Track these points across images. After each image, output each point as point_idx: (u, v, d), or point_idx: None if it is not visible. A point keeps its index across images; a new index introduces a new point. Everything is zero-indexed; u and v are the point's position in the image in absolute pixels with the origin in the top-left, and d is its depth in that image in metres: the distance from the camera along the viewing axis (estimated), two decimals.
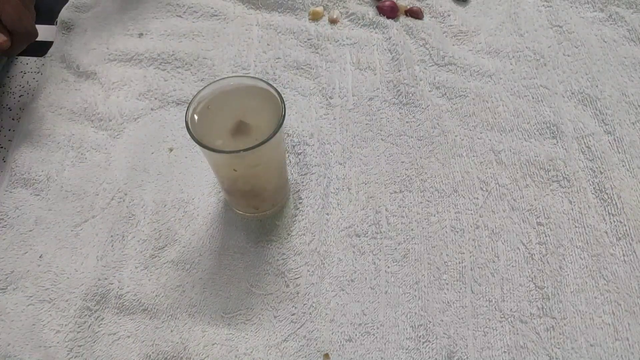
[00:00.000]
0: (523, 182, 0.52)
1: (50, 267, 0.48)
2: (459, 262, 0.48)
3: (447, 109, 0.58)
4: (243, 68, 0.61)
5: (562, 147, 0.54)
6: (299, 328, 0.45)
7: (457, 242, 0.49)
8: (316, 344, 0.44)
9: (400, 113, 0.57)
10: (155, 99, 0.59)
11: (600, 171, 0.52)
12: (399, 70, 0.60)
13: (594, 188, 0.51)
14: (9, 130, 0.58)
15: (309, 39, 0.63)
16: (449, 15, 0.65)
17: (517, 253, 0.48)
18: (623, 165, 0.52)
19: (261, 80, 0.43)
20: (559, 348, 0.43)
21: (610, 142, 0.54)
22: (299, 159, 0.54)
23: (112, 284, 0.47)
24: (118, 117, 0.57)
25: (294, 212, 0.51)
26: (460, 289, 0.47)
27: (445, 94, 0.59)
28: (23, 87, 0.61)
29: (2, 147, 0.57)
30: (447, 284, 0.47)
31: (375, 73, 0.61)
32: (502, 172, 0.53)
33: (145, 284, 0.47)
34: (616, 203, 0.50)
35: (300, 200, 0.52)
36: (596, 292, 0.46)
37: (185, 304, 0.46)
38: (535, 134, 0.55)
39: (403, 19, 0.65)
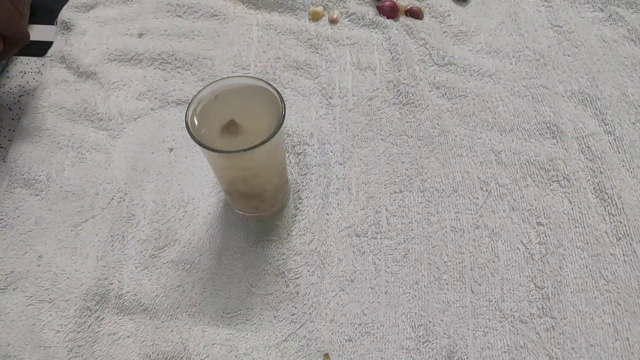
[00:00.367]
0: (523, 182, 0.52)
1: (50, 267, 0.48)
2: (459, 262, 0.48)
3: (447, 109, 0.58)
4: (243, 68, 0.61)
5: (562, 147, 0.54)
6: (299, 328, 0.45)
7: (457, 242, 0.49)
8: (316, 344, 0.44)
9: (400, 113, 0.57)
10: (155, 99, 0.59)
11: (600, 171, 0.52)
12: (399, 70, 0.60)
13: (594, 188, 0.51)
14: (9, 130, 0.58)
15: (309, 39, 0.63)
16: (449, 15, 0.65)
17: (517, 253, 0.48)
18: (623, 165, 0.52)
19: (261, 80, 0.43)
20: (559, 348, 0.43)
21: (610, 142, 0.54)
22: (299, 159, 0.54)
23: (112, 284, 0.47)
24: (118, 117, 0.57)
25: (294, 212, 0.51)
26: (460, 289, 0.47)
27: (445, 94, 0.59)
28: (23, 87, 0.61)
29: (2, 147, 0.57)
30: (447, 284, 0.47)
31: (375, 73, 0.61)
32: (502, 172, 0.53)
33: (145, 284, 0.47)
34: (616, 203, 0.50)
35: (300, 200, 0.52)
36: (596, 292, 0.46)
37: (185, 304, 0.46)
38: (535, 134, 0.55)
39: (403, 19, 0.65)
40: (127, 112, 0.58)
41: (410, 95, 0.58)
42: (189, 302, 0.47)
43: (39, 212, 0.51)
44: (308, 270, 0.48)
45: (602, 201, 0.50)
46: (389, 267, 0.48)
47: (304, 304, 0.46)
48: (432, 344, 0.44)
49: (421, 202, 0.51)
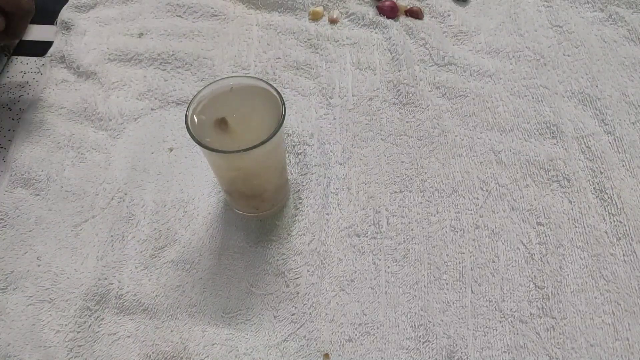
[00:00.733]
0: (523, 182, 0.52)
1: (50, 267, 0.48)
2: (459, 262, 0.48)
3: (447, 109, 0.58)
4: (243, 68, 0.61)
5: (562, 147, 0.54)
6: (299, 328, 0.45)
7: (457, 242, 0.49)
8: (316, 344, 0.44)
9: (400, 113, 0.57)
10: (155, 99, 0.59)
11: (600, 171, 0.52)
12: (399, 70, 0.60)
13: (594, 188, 0.51)
14: (9, 130, 0.58)
15: (309, 39, 0.63)
16: (449, 15, 0.65)
17: (517, 253, 0.48)
18: (623, 165, 0.52)
19: (261, 80, 0.43)
20: (559, 348, 0.43)
21: (610, 142, 0.54)
22: (299, 159, 0.54)
23: (112, 284, 0.47)
24: (118, 117, 0.57)
25: (294, 212, 0.51)
26: (460, 289, 0.47)
27: (445, 94, 0.59)
28: (23, 87, 0.61)
29: (2, 147, 0.57)
30: (447, 284, 0.47)
31: (375, 73, 0.61)
32: (502, 172, 0.53)
33: (145, 284, 0.47)
34: (616, 203, 0.50)
35: (300, 200, 0.52)
36: (596, 292, 0.46)
37: (185, 304, 0.46)
38: (535, 134, 0.55)
39: (403, 19, 0.65)
40: (127, 112, 0.58)
41: (410, 95, 0.58)
42: (189, 302, 0.47)
43: (39, 212, 0.51)
44: (308, 270, 0.48)
45: (602, 201, 0.50)
46: (389, 267, 0.48)
47: (304, 304, 0.46)
48: (432, 344, 0.44)
49: (421, 202, 0.51)
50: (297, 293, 0.47)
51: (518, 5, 0.66)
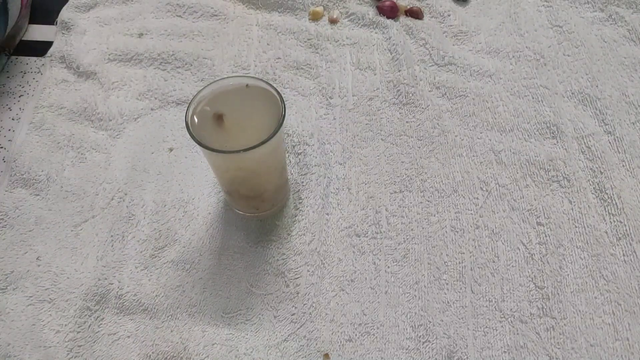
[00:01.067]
0: (523, 182, 0.52)
1: (50, 267, 0.48)
2: (459, 262, 0.48)
3: (447, 109, 0.58)
4: (243, 68, 0.61)
5: (562, 147, 0.54)
6: (299, 328, 0.45)
7: (457, 242, 0.49)
8: (316, 344, 0.44)
9: (400, 113, 0.57)
10: (155, 99, 0.59)
11: (600, 171, 0.52)
12: (399, 70, 0.60)
13: (594, 188, 0.51)
14: (9, 130, 0.58)
15: (309, 39, 0.63)
16: (449, 15, 0.65)
17: (517, 253, 0.48)
18: (623, 165, 0.52)
19: (261, 80, 0.43)
20: (559, 348, 0.43)
21: (610, 142, 0.54)
22: (299, 159, 0.54)
23: (112, 284, 0.47)
24: (118, 117, 0.57)
25: (294, 212, 0.51)
26: (460, 289, 0.47)
27: (445, 94, 0.59)
28: (23, 87, 0.61)
29: (2, 147, 0.57)
30: (447, 284, 0.47)
31: (375, 73, 0.61)
32: (502, 172, 0.53)
33: (145, 284, 0.47)
34: (616, 203, 0.50)
35: (300, 200, 0.52)
36: (596, 292, 0.46)
37: (185, 304, 0.46)
38: (535, 134, 0.55)
39: (403, 19, 0.65)
40: (127, 112, 0.58)
41: (410, 95, 0.58)
42: (189, 302, 0.47)
43: (39, 212, 0.51)
44: (308, 270, 0.48)
45: (602, 201, 0.50)
46: (389, 267, 0.48)
47: (304, 304, 0.46)
48: (432, 344, 0.44)
49: (421, 202, 0.51)
50: (297, 293, 0.47)
51: (518, 5, 0.66)
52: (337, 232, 0.50)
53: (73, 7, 0.67)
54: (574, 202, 0.50)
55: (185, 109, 0.42)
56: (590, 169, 0.52)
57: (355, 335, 0.45)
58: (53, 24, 0.66)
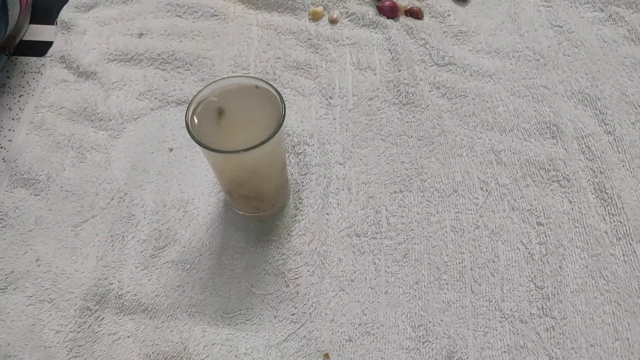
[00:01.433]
0: (523, 182, 0.52)
1: (50, 267, 0.48)
2: (459, 262, 0.48)
3: (447, 109, 0.58)
4: (243, 68, 0.61)
5: (562, 147, 0.54)
6: (299, 328, 0.45)
7: (457, 242, 0.49)
8: (316, 344, 0.44)
9: (400, 113, 0.57)
10: (155, 99, 0.59)
11: (600, 171, 0.52)
12: (399, 70, 0.60)
13: (594, 188, 0.51)
14: (9, 130, 0.58)
15: (309, 39, 0.63)
16: (449, 15, 0.65)
17: (517, 253, 0.48)
18: (623, 165, 0.52)
19: (261, 80, 0.43)
20: (559, 348, 0.43)
21: (610, 142, 0.54)
22: (299, 159, 0.54)
23: (112, 284, 0.47)
24: (118, 117, 0.57)
25: (294, 212, 0.51)
26: (460, 289, 0.47)
27: (445, 94, 0.59)
28: (23, 87, 0.61)
29: (2, 147, 0.57)
30: (447, 284, 0.47)
31: (375, 73, 0.61)
32: (502, 172, 0.53)
33: (145, 284, 0.47)
34: (616, 203, 0.50)
35: (300, 200, 0.52)
36: (596, 292, 0.46)
37: (185, 304, 0.46)
38: (535, 134, 0.55)
39: (403, 19, 0.65)
40: (127, 112, 0.58)
41: (410, 95, 0.58)
42: (189, 302, 0.47)
43: (39, 212, 0.51)
44: (308, 270, 0.48)
45: (602, 201, 0.50)
46: (389, 267, 0.48)
47: (304, 304, 0.46)
48: (432, 344, 0.44)
49: (421, 202, 0.51)
50: (297, 293, 0.47)
51: (518, 5, 0.66)
52: (337, 232, 0.50)
53: (73, 7, 0.67)
54: (574, 202, 0.50)
55: (185, 109, 0.42)
56: (590, 169, 0.52)
57: (355, 335, 0.45)
58: (53, 24, 0.66)
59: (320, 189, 0.52)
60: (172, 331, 0.45)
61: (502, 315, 0.45)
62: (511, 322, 0.45)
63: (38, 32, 0.66)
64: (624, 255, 0.47)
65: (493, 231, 0.49)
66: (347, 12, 0.66)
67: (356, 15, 0.65)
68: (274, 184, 0.48)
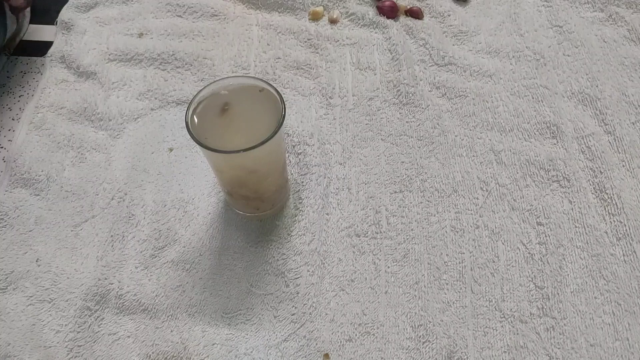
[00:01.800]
0: (523, 182, 0.52)
1: (50, 267, 0.48)
2: (459, 262, 0.48)
3: (447, 109, 0.58)
4: (243, 68, 0.61)
5: (562, 147, 0.54)
6: (299, 328, 0.45)
7: (457, 242, 0.49)
8: (316, 344, 0.44)
9: (400, 113, 0.57)
10: (155, 99, 0.59)
11: (600, 171, 0.52)
12: (399, 70, 0.60)
13: (594, 188, 0.51)
14: (9, 130, 0.58)
15: (309, 39, 0.63)
16: (449, 15, 0.65)
17: (517, 253, 0.48)
18: (623, 165, 0.52)
19: (261, 80, 0.43)
20: (559, 348, 0.43)
21: (610, 142, 0.54)
22: (299, 159, 0.54)
23: (112, 284, 0.47)
24: (118, 117, 0.57)
25: (294, 212, 0.51)
26: (460, 289, 0.47)
27: (445, 94, 0.59)
28: (23, 87, 0.61)
29: (2, 147, 0.57)
30: (447, 284, 0.47)
31: (375, 73, 0.61)
32: (502, 172, 0.53)
33: (145, 284, 0.47)
34: (616, 203, 0.50)
35: (300, 200, 0.52)
36: (596, 292, 0.46)
37: (185, 304, 0.46)
38: (535, 134, 0.55)
39: (403, 19, 0.65)
40: (127, 112, 0.58)
41: (410, 95, 0.58)
42: (189, 302, 0.47)
43: (39, 212, 0.51)
44: (308, 270, 0.48)
45: (602, 201, 0.50)
46: (389, 267, 0.48)
47: (304, 304, 0.46)
48: (432, 344, 0.44)
49: (421, 202, 0.51)
50: (297, 293, 0.47)
51: (518, 5, 0.66)
52: (337, 232, 0.50)
53: (73, 7, 0.67)
54: (574, 202, 0.50)
55: (185, 109, 0.42)
56: (590, 169, 0.52)
57: (355, 335, 0.45)
58: (53, 24, 0.66)
59: (320, 189, 0.52)
60: (172, 331, 0.45)
61: (502, 315, 0.45)
62: (511, 322, 0.45)
63: (38, 32, 0.66)
64: (624, 255, 0.47)
65: (493, 231, 0.49)
66: (347, 12, 0.66)
67: (356, 15, 0.65)
68: (274, 184, 0.48)
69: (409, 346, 0.44)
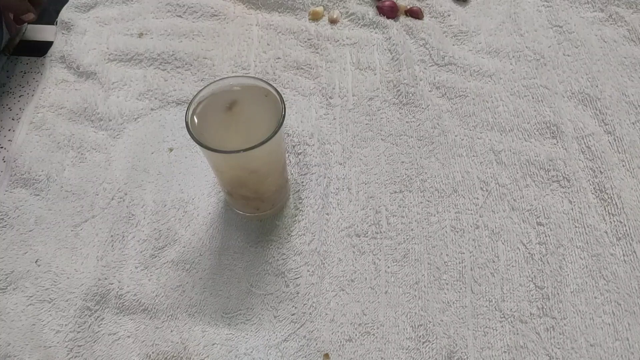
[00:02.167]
0: (523, 182, 0.52)
1: (50, 267, 0.48)
2: (459, 262, 0.48)
3: (447, 109, 0.58)
4: (243, 68, 0.61)
5: (562, 147, 0.54)
6: (299, 328, 0.45)
7: (457, 242, 0.49)
8: (316, 344, 0.44)
9: (400, 113, 0.57)
10: (155, 99, 0.59)
11: (600, 171, 0.52)
12: (399, 70, 0.60)
13: (594, 188, 0.51)
14: (9, 130, 0.58)
15: (309, 39, 0.63)
16: (449, 15, 0.65)
17: (517, 253, 0.48)
18: (623, 165, 0.52)
19: (261, 80, 0.43)
20: (559, 348, 0.43)
21: (610, 142, 0.54)
22: (299, 159, 0.54)
23: (112, 284, 0.47)
24: (118, 117, 0.57)
25: (294, 212, 0.51)
26: (460, 289, 0.47)
27: (445, 94, 0.59)
28: (23, 87, 0.61)
29: (2, 147, 0.57)
30: (447, 284, 0.47)
31: (375, 73, 0.61)
32: (502, 172, 0.53)
33: (145, 284, 0.47)
34: (616, 203, 0.50)
35: (300, 200, 0.52)
36: (596, 292, 0.46)
37: (185, 304, 0.46)
38: (535, 134, 0.55)
39: (403, 19, 0.65)
40: (127, 112, 0.58)
41: (410, 95, 0.58)
42: (189, 302, 0.47)
43: (39, 212, 0.51)
44: (308, 270, 0.48)
45: (602, 201, 0.50)
46: (389, 267, 0.48)
47: (304, 304, 0.46)
48: (432, 344, 0.44)
49: (421, 202, 0.51)
50: (297, 293, 0.47)
51: (518, 5, 0.66)
52: (337, 232, 0.50)
53: (73, 7, 0.67)
54: (574, 202, 0.50)
55: (185, 109, 0.42)
56: (590, 169, 0.52)
57: (355, 335, 0.45)
58: (53, 24, 0.66)
59: (320, 189, 0.52)
60: (172, 331, 0.45)
61: (502, 315, 0.45)
62: (511, 322, 0.45)
63: (38, 32, 0.66)
64: (624, 255, 0.47)
65: (493, 231, 0.49)
66: (347, 12, 0.66)
67: (356, 15, 0.65)
68: (274, 184, 0.48)
69: (409, 346, 0.44)
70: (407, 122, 0.57)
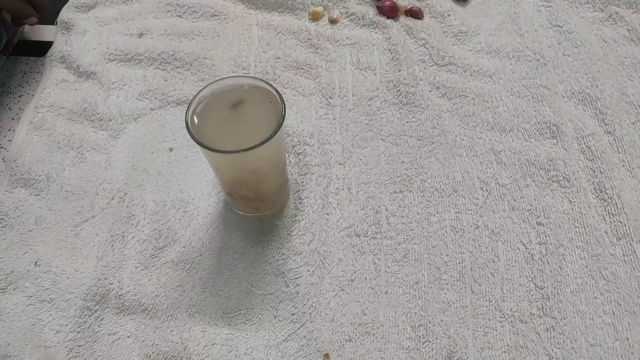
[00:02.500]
0: (523, 182, 0.52)
1: (50, 267, 0.48)
2: (459, 262, 0.48)
3: (447, 109, 0.58)
4: (243, 68, 0.61)
5: (562, 147, 0.54)
6: (299, 328, 0.45)
7: (457, 242, 0.49)
8: (316, 344, 0.44)
9: (400, 113, 0.57)
10: (155, 99, 0.59)
11: (600, 171, 0.52)
12: (399, 70, 0.60)
13: (594, 188, 0.51)
14: (9, 130, 0.58)
15: (309, 39, 0.63)
16: (449, 15, 0.65)
17: (517, 253, 0.48)
18: (623, 165, 0.52)
19: (261, 80, 0.43)
20: (559, 348, 0.43)
21: (610, 142, 0.54)
22: (299, 159, 0.54)
23: (112, 284, 0.47)
24: (118, 117, 0.57)
25: (294, 212, 0.51)
26: (460, 289, 0.47)
27: (445, 94, 0.59)
28: (23, 87, 0.61)
29: (2, 147, 0.57)
30: (447, 284, 0.47)
31: (375, 73, 0.61)
32: (502, 172, 0.53)
33: (145, 284, 0.47)
34: (616, 203, 0.50)
35: (300, 200, 0.52)
36: (596, 292, 0.46)
37: (185, 304, 0.46)
38: (535, 134, 0.55)
39: (403, 19, 0.65)
40: (127, 112, 0.58)
41: (410, 95, 0.58)
42: (189, 302, 0.47)
43: (39, 212, 0.51)
44: (308, 270, 0.48)
45: (602, 201, 0.50)
46: (389, 267, 0.48)
47: (304, 304, 0.46)
48: (432, 344, 0.44)
49: (421, 202, 0.51)
50: (297, 293, 0.47)
51: (518, 5, 0.66)
52: (337, 232, 0.50)
53: (73, 7, 0.67)
54: (574, 202, 0.50)
55: (185, 109, 0.42)
56: (590, 169, 0.52)
57: (355, 335, 0.45)
58: (53, 24, 0.66)
59: (320, 189, 0.52)
60: (172, 331, 0.45)
61: (502, 315, 0.45)
62: (511, 322, 0.45)
63: (38, 32, 0.66)
64: (624, 255, 0.47)
65: (493, 231, 0.49)
66: (347, 12, 0.66)
67: (356, 15, 0.65)
68: (274, 184, 0.48)
69: (409, 346, 0.44)
70: (407, 122, 0.57)
